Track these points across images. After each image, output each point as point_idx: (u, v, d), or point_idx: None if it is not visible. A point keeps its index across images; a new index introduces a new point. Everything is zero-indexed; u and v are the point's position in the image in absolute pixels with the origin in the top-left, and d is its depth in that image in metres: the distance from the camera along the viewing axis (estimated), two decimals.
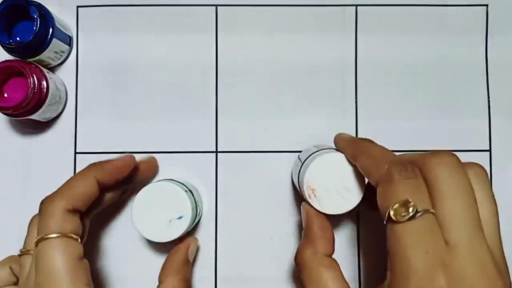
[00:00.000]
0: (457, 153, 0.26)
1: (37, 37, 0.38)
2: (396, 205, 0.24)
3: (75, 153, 0.42)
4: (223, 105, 0.42)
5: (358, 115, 0.42)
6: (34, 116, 0.39)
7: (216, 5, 0.43)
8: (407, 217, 0.24)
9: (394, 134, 0.42)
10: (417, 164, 0.26)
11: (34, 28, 0.37)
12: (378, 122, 0.42)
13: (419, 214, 0.24)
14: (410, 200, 0.24)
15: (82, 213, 0.32)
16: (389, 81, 0.42)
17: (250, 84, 0.42)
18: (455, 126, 0.42)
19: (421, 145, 0.42)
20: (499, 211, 0.26)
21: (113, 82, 0.42)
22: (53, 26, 0.39)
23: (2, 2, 0.38)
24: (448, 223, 0.24)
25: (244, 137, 0.42)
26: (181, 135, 0.42)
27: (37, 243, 0.29)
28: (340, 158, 0.32)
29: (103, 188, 0.33)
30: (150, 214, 0.36)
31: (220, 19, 0.43)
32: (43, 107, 0.39)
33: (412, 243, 0.24)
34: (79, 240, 0.30)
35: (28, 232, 0.33)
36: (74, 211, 0.30)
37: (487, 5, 0.43)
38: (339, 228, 0.41)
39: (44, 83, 0.38)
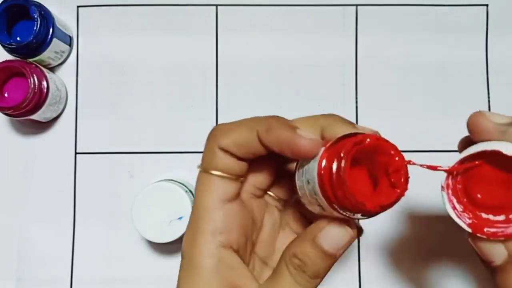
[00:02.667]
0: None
1: (38, 37, 0.38)
2: None
3: (75, 153, 0.42)
4: (223, 105, 0.42)
5: (358, 115, 0.42)
6: (34, 116, 0.39)
7: (216, 5, 0.43)
8: None
9: (394, 134, 0.42)
10: None
11: (35, 28, 0.37)
12: (378, 122, 0.42)
13: None
14: None
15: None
16: (389, 81, 0.42)
17: (250, 84, 0.42)
18: (455, 126, 0.42)
19: (421, 145, 0.42)
20: None
21: (113, 82, 0.42)
22: (53, 26, 0.39)
23: (2, 2, 0.38)
24: None
25: None
26: (181, 135, 0.42)
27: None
28: None
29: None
30: (150, 215, 0.36)
31: (220, 19, 0.43)
32: (43, 107, 0.39)
33: None
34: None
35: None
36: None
37: (487, 5, 0.43)
38: None
39: (45, 83, 0.38)
